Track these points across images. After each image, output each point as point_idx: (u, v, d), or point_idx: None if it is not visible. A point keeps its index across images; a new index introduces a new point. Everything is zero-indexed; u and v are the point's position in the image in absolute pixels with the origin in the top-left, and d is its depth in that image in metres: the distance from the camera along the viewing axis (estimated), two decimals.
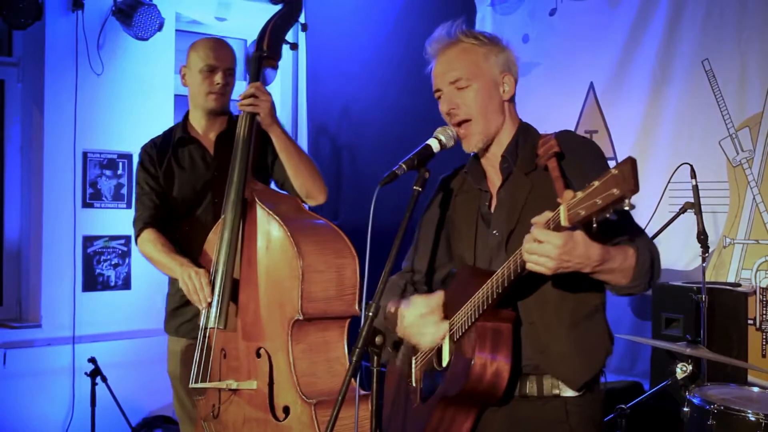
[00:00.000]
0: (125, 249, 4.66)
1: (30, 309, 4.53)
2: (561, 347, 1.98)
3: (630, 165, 1.52)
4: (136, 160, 3.12)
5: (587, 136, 4.45)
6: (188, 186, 3.04)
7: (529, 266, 1.75)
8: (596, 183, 1.57)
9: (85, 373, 4.02)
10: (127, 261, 4.67)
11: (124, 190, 4.64)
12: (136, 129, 4.64)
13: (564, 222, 1.62)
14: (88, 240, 4.56)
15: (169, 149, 3.07)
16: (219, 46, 3.06)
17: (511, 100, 2.12)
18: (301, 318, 2.58)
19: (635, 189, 1.51)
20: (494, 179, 2.14)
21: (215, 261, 2.77)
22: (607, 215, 1.56)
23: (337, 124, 5.59)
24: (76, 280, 4.49)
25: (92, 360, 3.99)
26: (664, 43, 4.10)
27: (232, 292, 2.77)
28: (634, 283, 1.88)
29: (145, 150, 3.10)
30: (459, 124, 2.06)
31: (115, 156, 4.61)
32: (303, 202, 2.96)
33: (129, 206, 4.65)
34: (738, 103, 3.85)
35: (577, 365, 1.99)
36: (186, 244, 3.00)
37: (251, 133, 2.83)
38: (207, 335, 2.78)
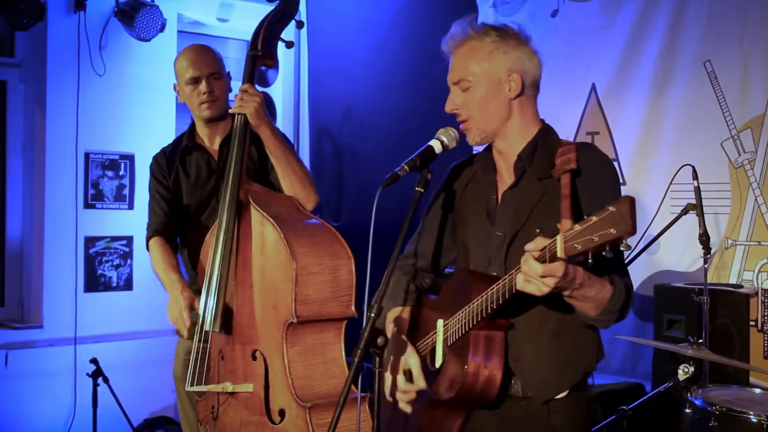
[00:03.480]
0: (127, 250, 4.66)
1: (32, 310, 4.53)
2: (536, 358, 1.98)
3: (628, 205, 1.51)
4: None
5: (589, 137, 4.45)
6: (194, 193, 3.06)
7: (524, 289, 1.73)
8: (594, 218, 1.56)
9: (87, 374, 4.01)
10: (128, 262, 4.67)
11: (126, 191, 4.64)
12: (137, 130, 4.65)
13: (560, 254, 1.62)
14: (90, 241, 4.56)
15: (176, 158, 3.09)
16: (196, 55, 3.04)
17: (520, 96, 2.04)
18: (294, 321, 2.55)
19: (633, 231, 1.50)
20: (504, 176, 2.12)
21: (210, 263, 2.75)
22: (603, 253, 1.56)
23: (339, 126, 5.58)
24: (78, 281, 4.50)
25: (94, 361, 3.98)
26: (666, 45, 4.10)
27: (228, 294, 2.76)
28: (601, 317, 1.88)
29: (156, 159, 3.13)
30: (461, 122, 2.07)
31: (117, 157, 4.60)
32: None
33: (131, 207, 4.65)
34: (740, 105, 3.84)
35: (547, 380, 1.98)
36: (193, 249, 3.02)
37: (244, 135, 2.80)
38: (205, 338, 2.77)
